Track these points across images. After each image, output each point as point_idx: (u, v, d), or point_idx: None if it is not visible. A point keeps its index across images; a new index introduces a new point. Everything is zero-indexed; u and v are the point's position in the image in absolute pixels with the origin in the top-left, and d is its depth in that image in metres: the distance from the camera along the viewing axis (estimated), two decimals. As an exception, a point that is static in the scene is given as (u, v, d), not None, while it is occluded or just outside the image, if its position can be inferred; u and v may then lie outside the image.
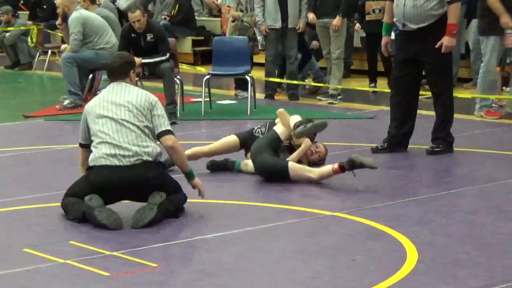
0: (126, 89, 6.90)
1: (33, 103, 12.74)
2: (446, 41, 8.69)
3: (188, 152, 8.24)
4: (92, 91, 12.46)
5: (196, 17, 16.87)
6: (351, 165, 7.44)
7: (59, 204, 6.87)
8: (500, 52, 10.82)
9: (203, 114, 11.49)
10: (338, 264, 5.82)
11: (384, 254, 5.94)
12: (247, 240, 6.36)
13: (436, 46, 8.70)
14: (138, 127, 6.70)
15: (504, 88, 12.08)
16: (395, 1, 8.95)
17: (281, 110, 8.44)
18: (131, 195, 6.80)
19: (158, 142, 6.86)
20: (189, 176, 6.99)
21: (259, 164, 8.01)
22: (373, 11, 13.04)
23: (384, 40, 9.36)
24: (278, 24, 12.51)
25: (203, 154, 8.53)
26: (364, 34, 14.07)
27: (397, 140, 9.01)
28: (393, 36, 9.70)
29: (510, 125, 10.55)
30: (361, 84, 13.50)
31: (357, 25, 13.87)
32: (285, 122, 8.25)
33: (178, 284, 5.49)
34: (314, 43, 13.60)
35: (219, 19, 16.06)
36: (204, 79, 11.98)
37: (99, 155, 6.69)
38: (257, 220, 6.83)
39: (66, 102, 11.82)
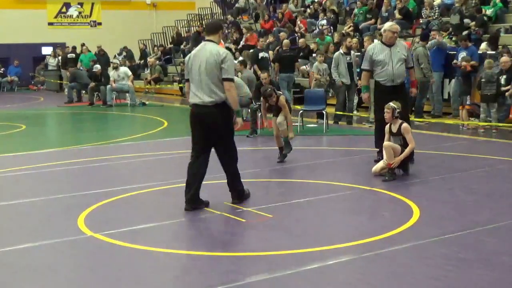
0: None
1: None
2: (415, 91, 8.53)
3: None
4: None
5: (295, 78, 16.94)
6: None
7: (216, 181, 6.79)
8: None
9: (298, 132, 11.51)
10: (375, 217, 5.86)
11: (400, 212, 5.88)
12: (322, 203, 6.33)
13: (412, 94, 8.50)
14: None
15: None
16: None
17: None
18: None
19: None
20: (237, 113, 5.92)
21: None
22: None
23: (366, 95, 8.47)
24: (348, 81, 12.37)
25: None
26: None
27: None
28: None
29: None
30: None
31: None
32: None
33: (282, 226, 5.46)
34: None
35: (307, 79, 16.08)
36: (299, 112, 11.99)
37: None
38: (327, 192, 6.75)
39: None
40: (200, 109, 5.86)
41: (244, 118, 12.69)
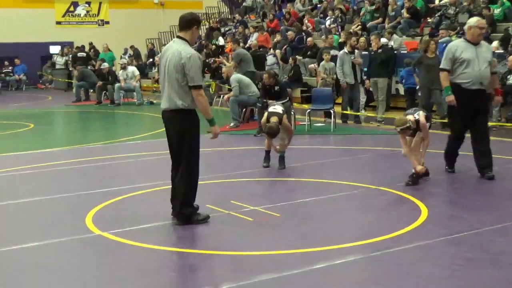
0: None
1: (212, 124, 12.95)
2: (500, 99, 8.08)
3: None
4: (244, 119, 12.66)
5: (303, 77, 16.94)
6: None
7: (223, 180, 6.88)
8: None
9: (306, 131, 11.53)
10: (382, 216, 5.78)
11: (407, 211, 5.88)
12: (329, 202, 6.29)
13: (496, 102, 8.14)
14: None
15: None
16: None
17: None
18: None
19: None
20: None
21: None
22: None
23: (452, 97, 7.08)
24: (352, 81, 12.36)
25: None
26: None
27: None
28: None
29: None
30: (397, 115, 13.23)
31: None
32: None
33: (289, 225, 5.46)
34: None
35: (315, 78, 16.04)
36: (307, 111, 11.91)
37: None
38: (334, 191, 6.72)
39: (232, 124, 12.02)
40: (163, 114, 5.35)
41: (254, 117, 12.73)
